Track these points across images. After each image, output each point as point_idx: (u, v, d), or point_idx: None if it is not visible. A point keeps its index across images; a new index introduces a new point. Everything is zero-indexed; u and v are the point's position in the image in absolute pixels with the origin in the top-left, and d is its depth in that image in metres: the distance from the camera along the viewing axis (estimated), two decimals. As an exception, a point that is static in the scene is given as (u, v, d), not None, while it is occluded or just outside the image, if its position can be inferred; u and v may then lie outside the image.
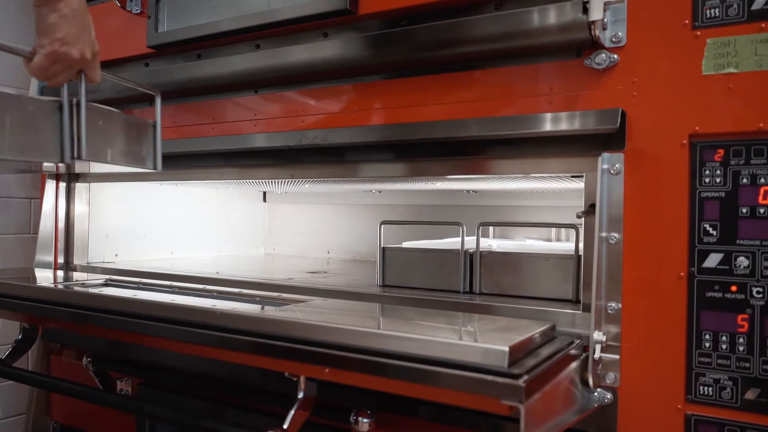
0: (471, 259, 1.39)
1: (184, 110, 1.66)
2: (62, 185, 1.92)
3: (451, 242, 1.53)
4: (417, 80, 1.29)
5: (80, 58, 1.04)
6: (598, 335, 1.06)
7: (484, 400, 0.82)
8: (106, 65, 1.80)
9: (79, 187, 1.94)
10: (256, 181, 1.64)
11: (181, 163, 1.64)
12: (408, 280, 1.47)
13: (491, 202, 2.13)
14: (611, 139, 1.09)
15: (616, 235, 1.08)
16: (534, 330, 0.97)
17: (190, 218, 2.31)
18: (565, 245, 1.59)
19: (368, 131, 1.30)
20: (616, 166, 1.08)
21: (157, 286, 1.50)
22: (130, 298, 1.25)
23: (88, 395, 1.37)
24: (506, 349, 0.82)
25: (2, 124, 1.00)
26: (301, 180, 1.63)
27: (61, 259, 1.91)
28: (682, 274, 1.03)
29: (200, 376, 1.46)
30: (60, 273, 1.80)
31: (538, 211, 2.06)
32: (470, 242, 1.40)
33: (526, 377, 0.80)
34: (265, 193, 2.64)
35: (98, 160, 1.17)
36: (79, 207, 1.96)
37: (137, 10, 1.68)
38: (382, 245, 1.50)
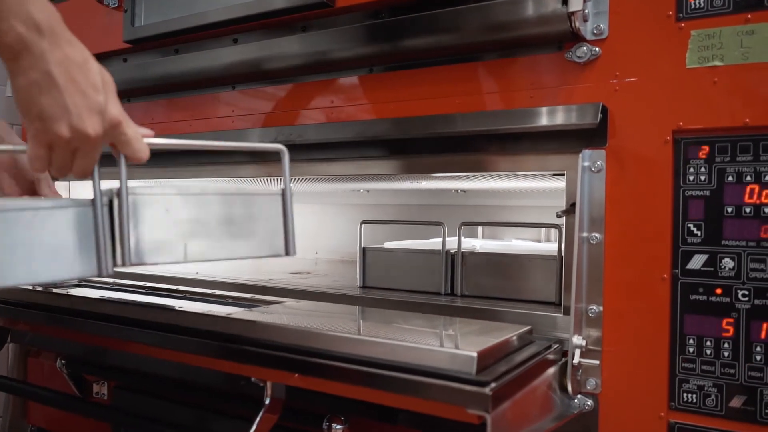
0: (453, 259, 1.35)
1: (162, 106, 1.62)
2: (41, 183, 1.88)
3: (433, 243, 1.49)
4: (394, 75, 1.25)
5: (78, 136, 0.68)
6: (577, 339, 1.01)
7: (451, 408, 0.78)
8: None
9: (59, 185, 1.90)
10: (236, 179, 1.60)
11: (156, 161, 1.60)
12: (389, 282, 1.43)
13: (481, 201, 2.08)
14: (592, 136, 1.04)
15: (597, 235, 1.04)
16: (508, 334, 0.93)
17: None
18: (552, 246, 1.54)
19: (345, 127, 1.26)
20: (598, 163, 1.04)
21: (130, 286, 1.46)
22: (93, 298, 1.21)
23: (61, 402, 1.33)
24: (474, 354, 0.78)
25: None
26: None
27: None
28: (665, 276, 0.99)
29: (175, 379, 1.42)
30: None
31: (528, 211, 2.02)
32: (454, 242, 1.35)
33: (494, 385, 0.76)
34: (253, 193, 2.60)
35: (167, 260, 0.77)
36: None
37: (114, 3, 1.64)
38: (362, 245, 1.46)
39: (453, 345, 0.85)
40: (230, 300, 1.29)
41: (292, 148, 1.37)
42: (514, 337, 0.95)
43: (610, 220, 1.04)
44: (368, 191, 2.25)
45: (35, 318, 1.29)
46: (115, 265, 0.73)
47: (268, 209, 0.84)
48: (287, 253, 0.83)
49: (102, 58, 1.71)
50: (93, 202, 0.72)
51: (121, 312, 1.15)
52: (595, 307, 1.04)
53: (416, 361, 0.81)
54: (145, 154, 0.76)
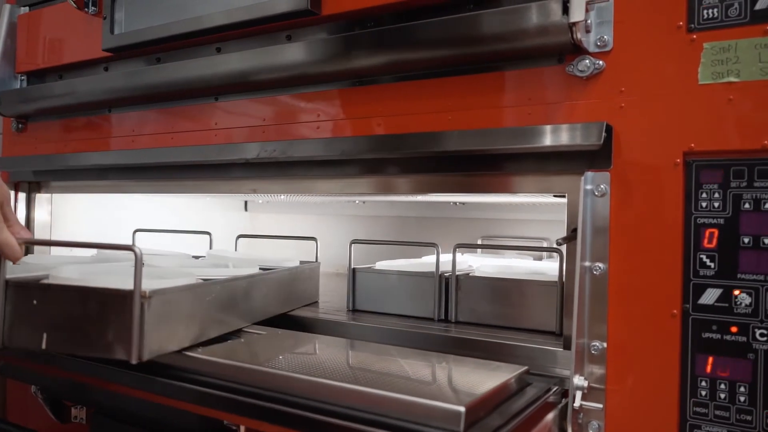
0: (447, 283, 1.27)
1: (143, 118, 1.54)
2: (22, 195, 1.81)
3: (427, 263, 1.41)
4: (382, 88, 1.17)
5: None
6: (578, 380, 0.93)
7: (436, 470, 0.70)
8: (66, 69, 1.70)
9: (41, 197, 1.83)
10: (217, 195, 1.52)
11: (139, 174, 1.53)
12: (380, 305, 1.35)
13: (480, 214, 2.00)
14: (595, 157, 0.96)
15: (600, 265, 0.96)
16: (502, 378, 0.84)
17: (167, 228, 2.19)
18: (554, 265, 1.46)
19: (330, 144, 1.18)
20: (601, 186, 0.95)
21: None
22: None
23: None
24: (462, 409, 0.70)
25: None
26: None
27: (20, 275, 1.80)
28: (675, 311, 0.90)
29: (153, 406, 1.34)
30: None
31: (529, 225, 1.94)
32: (450, 260, 1.27)
33: (483, 446, 0.67)
34: (246, 203, 2.52)
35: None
36: (41, 218, 1.84)
37: (94, 10, 1.56)
38: (352, 266, 1.38)
39: (440, 394, 0.77)
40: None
41: (276, 164, 1.30)
42: (510, 381, 0.86)
43: (615, 249, 0.95)
44: (364, 202, 2.18)
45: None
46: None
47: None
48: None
49: (83, 66, 1.64)
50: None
51: None
52: (598, 344, 0.95)
53: (398, 414, 0.73)
54: (17, 257, 0.91)
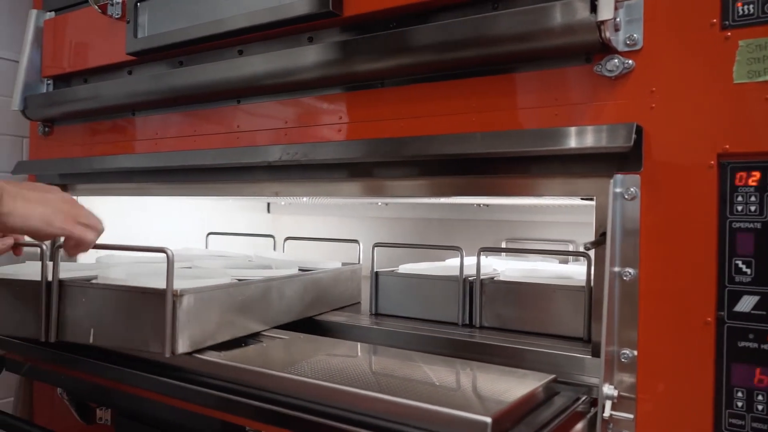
0: (471, 288, 1.25)
1: (166, 121, 1.55)
2: (48, 199, 1.83)
3: (451, 267, 1.39)
4: (405, 89, 1.15)
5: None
6: (608, 389, 0.90)
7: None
8: (90, 73, 1.71)
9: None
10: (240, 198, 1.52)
11: (162, 177, 1.53)
12: (402, 309, 1.33)
13: (505, 216, 1.97)
14: (625, 159, 0.93)
15: (630, 270, 0.93)
16: (529, 387, 0.82)
17: (191, 230, 2.20)
18: (582, 269, 1.43)
19: (352, 146, 1.17)
20: (631, 189, 0.93)
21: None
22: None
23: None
24: (488, 420, 0.68)
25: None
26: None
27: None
28: (709, 319, 0.87)
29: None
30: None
31: (556, 227, 1.90)
32: (474, 264, 1.25)
33: (510, 459, 0.65)
34: (269, 204, 2.52)
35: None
36: (67, 221, 1.86)
37: (118, 14, 1.57)
38: (374, 269, 1.36)
39: (465, 403, 0.75)
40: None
41: (298, 166, 1.29)
42: (538, 390, 0.84)
43: (645, 254, 0.92)
44: (387, 204, 2.16)
45: (31, 351, 1.22)
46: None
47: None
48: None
49: (107, 70, 1.65)
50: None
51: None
52: (628, 351, 0.93)
53: (422, 423, 0.71)
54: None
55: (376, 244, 1.36)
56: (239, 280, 1.16)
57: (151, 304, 0.95)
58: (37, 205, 0.86)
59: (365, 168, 1.19)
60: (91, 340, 1.01)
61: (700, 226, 0.88)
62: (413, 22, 1.12)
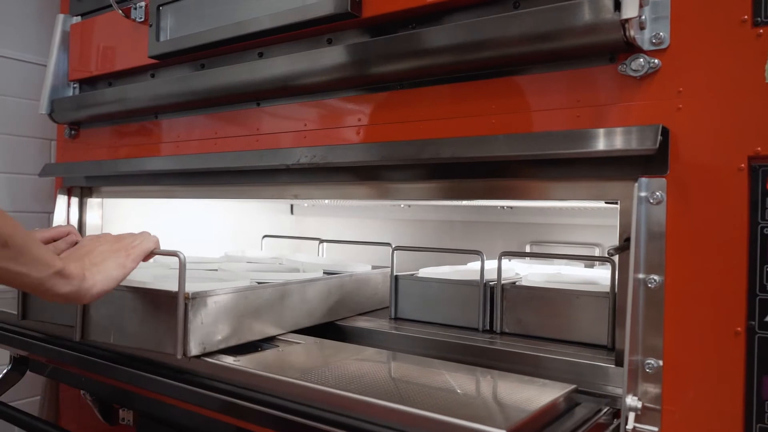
0: (492, 292, 1.22)
1: (188, 123, 1.55)
2: (74, 200, 1.85)
3: (472, 271, 1.36)
4: (424, 91, 1.13)
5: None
6: (632, 400, 0.87)
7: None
8: (115, 76, 1.73)
9: (92, 202, 1.87)
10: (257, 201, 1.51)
11: (184, 180, 1.53)
12: (422, 314, 1.31)
13: (530, 218, 1.93)
14: (650, 162, 0.90)
15: (656, 277, 0.89)
16: (548, 397, 0.80)
17: (215, 232, 2.21)
18: (608, 275, 1.39)
19: (370, 149, 1.15)
20: (657, 194, 0.89)
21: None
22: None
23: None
24: (503, 433, 0.66)
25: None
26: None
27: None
28: (739, 329, 0.84)
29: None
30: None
31: (582, 230, 1.86)
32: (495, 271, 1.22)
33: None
34: (292, 206, 2.52)
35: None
36: (92, 221, 1.88)
37: (141, 18, 1.59)
38: (394, 273, 1.35)
39: (481, 414, 0.73)
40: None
41: (317, 169, 1.28)
42: (558, 401, 0.81)
43: (671, 261, 0.89)
44: (409, 206, 2.14)
45: (53, 354, 1.23)
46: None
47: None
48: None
49: (131, 73, 1.66)
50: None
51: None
52: (653, 361, 0.89)
53: (436, 435, 0.69)
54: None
55: (396, 248, 1.35)
56: (259, 283, 1.16)
57: (165, 307, 0.96)
58: (101, 263, 0.89)
59: (384, 171, 1.17)
60: (111, 340, 1.04)
61: (730, 231, 0.85)
62: (433, 22, 1.10)
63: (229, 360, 0.96)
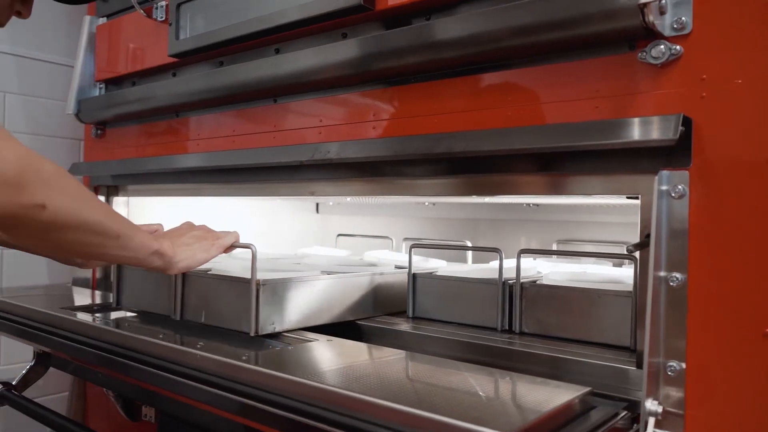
0: (511, 291, 1.18)
1: (207, 122, 1.56)
2: (101, 198, 1.88)
3: (492, 269, 1.33)
4: (439, 84, 1.10)
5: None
6: (652, 404, 0.83)
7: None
8: (138, 75, 1.75)
9: (118, 200, 1.89)
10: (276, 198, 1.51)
11: (204, 177, 1.54)
12: (440, 312, 1.28)
13: (556, 216, 1.88)
14: (672, 154, 0.85)
15: (678, 275, 0.85)
16: (560, 400, 0.76)
17: (244, 232, 2.21)
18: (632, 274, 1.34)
19: (385, 144, 1.13)
20: (679, 187, 0.85)
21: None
22: (114, 331, 1.15)
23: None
24: (507, 437, 0.63)
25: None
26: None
27: (99, 275, 1.87)
28: (767, 330, 0.79)
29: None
30: (82, 293, 1.74)
31: (611, 228, 1.79)
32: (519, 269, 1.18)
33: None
34: (317, 205, 2.52)
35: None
36: (119, 221, 1.90)
37: (162, 17, 1.60)
38: (411, 271, 1.32)
39: (487, 417, 0.69)
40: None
41: (332, 165, 1.26)
42: (571, 403, 0.78)
43: (695, 258, 0.84)
44: (434, 204, 2.11)
45: (73, 351, 1.24)
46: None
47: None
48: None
49: (154, 73, 1.68)
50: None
51: (169, 355, 1.05)
52: (675, 364, 0.85)
53: (439, 438, 0.67)
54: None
55: (413, 245, 1.32)
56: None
57: (242, 291, 1.10)
58: (190, 245, 1.07)
59: (399, 166, 1.15)
60: (202, 320, 1.19)
61: (758, 227, 0.80)
62: (447, 12, 1.07)
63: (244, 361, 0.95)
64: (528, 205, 1.87)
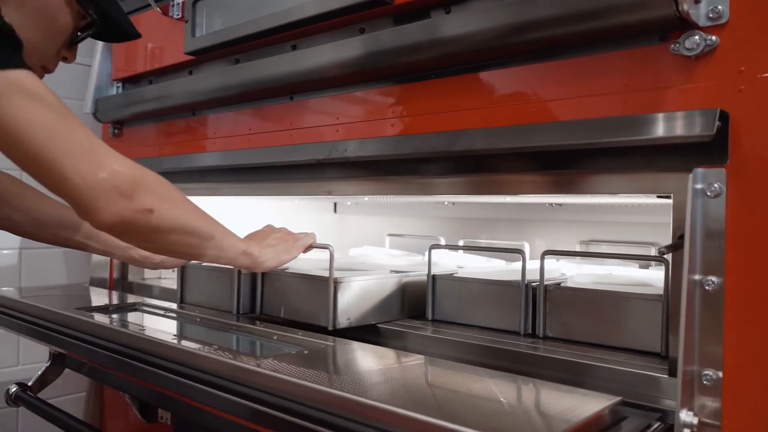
0: (535, 294, 1.14)
1: (223, 120, 1.53)
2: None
3: (514, 271, 1.28)
4: (459, 80, 1.07)
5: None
6: (686, 415, 0.78)
7: None
8: (155, 74, 1.73)
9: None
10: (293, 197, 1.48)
11: (219, 177, 1.52)
12: (461, 315, 1.24)
13: (580, 216, 1.83)
14: (707, 150, 0.81)
15: (714, 279, 0.80)
16: (590, 411, 0.72)
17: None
18: (662, 276, 1.29)
19: (403, 142, 1.10)
20: (715, 185, 0.80)
21: (180, 312, 1.38)
22: (127, 332, 1.13)
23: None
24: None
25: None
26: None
27: (116, 275, 1.86)
28: (811, 337, 0.74)
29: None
30: (99, 293, 1.73)
31: (638, 228, 1.74)
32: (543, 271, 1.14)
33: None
34: (335, 204, 2.49)
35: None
36: (136, 221, 1.89)
37: (178, 15, 1.58)
38: (431, 273, 1.28)
39: (512, 428, 0.66)
40: (275, 338, 1.16)
41: (349, 164, 1.23)
42: (602, 414, 0.74)
43: (732, 260, 0.79)
44: (453, 204, 2.07)
45: (86, 353, 1.22)
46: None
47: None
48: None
49: (170, 71, 1.66)
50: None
51: (186, 359, 1.03)
52: (711, 372, 0.80)
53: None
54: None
55: (432, 246, 1.28)
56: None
57: (320, 288, 1.17)
58: (274, 246, 1.14)
59: (417, 164, 1.12)
60: (282, 314, 1.26)
61: (800, 227, 0.75)
62: (466, 5, 1.04)
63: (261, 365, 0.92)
64: (550, 204, 1.82)
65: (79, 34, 1.03)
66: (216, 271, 1.36)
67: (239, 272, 1.29)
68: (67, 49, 1.06)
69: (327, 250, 1.17)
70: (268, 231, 1.19)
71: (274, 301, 1.28)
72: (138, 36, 1.11)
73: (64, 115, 0.79)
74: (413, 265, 1.47)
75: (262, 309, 1.30)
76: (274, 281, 1.28)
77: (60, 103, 0.80)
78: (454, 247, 1.36)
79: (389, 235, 2.07)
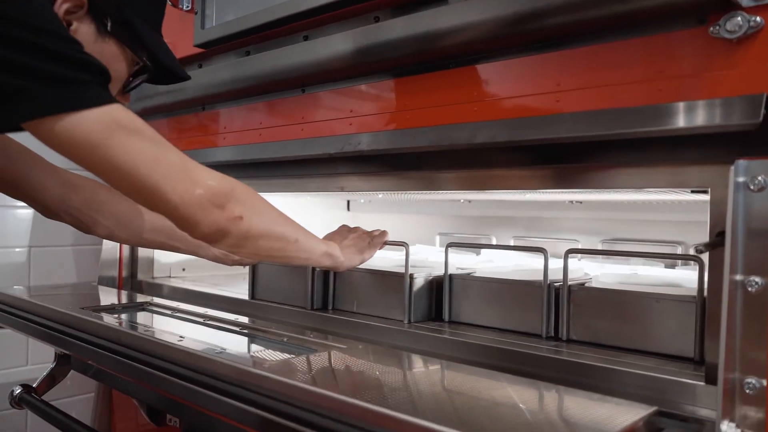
0: (558, 295, 1.09)
1: (234, 114, 1.49)
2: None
3: (536, 270, 1.23)
4: (480, 69, 1.01)
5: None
6: (727, 426, 0.72)
7: None
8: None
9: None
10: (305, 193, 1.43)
11: (232, 172, 1.47)
12: (480, 317, 1.19)
13: (602, 214, 1.77)
14: (750, 141, 0.75)
15: (758, 279, 0.74)
16: (624, 422, 0.66)
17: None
18: (692, 276, 1.23)
19: (420, 134, 1.04)
20: (759, 179, 0.74)
21: (189, 313, 1.34)
22: (132, 333, 1.08)
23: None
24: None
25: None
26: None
27: (125, 274, 1.83)
28: None
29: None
30: (107, 292, 1.70)
31: (661, 227, 1.68)
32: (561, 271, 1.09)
33: None
34: (348, 202, 2.44)
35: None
36: (146, 219, 1.86)
37: (188, 6, 1.54)
38: (448, 272, 1.23)
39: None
40: (285, 339, 1.12)
41: (363, 158, 1.19)
42: (638, 424, 0.68)
43: (778, 259, 0.73)
44: (470, 201, 2.01)
45: (91, 355, 1.18)
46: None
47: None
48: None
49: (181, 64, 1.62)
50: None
51: (192, 362, 0.99)
52: (754, 381, 0.74)
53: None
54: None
55: (450, 244, 1.23)
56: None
57: (393, 284, 1.20)
58: (355, 247, 1.19)
59: (433, 159, 1.06)
60: (354, 309, 1.28)
61: None
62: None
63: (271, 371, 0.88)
64: (571, 202, 1.76)
65: (131, 80, 1.06)
66: (287, 267, 1.38)
67: (313, 269, 1.31)
68: (121, 95, 1.07)
69: (402, 248, 1.21)
70: (345, 231, 1.25)
71: (347, 296, 1.31)
72: (187, 78, 1.15)
73: (159, 143, 0.84)
74: (473, 264, 1.43)
75: (334, 304, 1.33)
76: (348, 277, 1.31)
77: (153, 131, 0.85)
78: (472, 246, 1.30)
79: (440, 234, 2.09)
